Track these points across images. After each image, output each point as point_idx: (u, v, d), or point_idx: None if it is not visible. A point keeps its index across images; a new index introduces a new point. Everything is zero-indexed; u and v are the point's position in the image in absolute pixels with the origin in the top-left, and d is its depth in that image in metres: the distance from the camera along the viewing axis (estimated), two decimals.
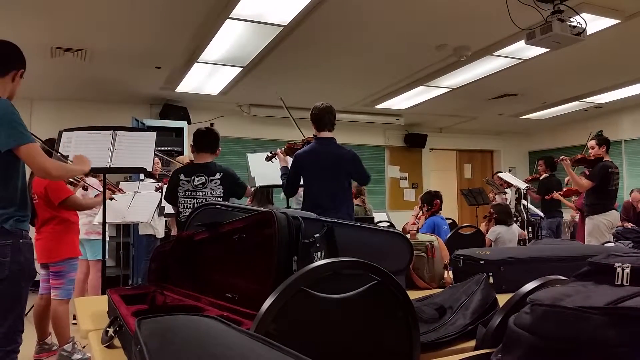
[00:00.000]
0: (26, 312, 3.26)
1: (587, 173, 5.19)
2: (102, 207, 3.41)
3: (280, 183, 4.30)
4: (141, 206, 4.17)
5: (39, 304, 3.51)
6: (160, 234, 5.13)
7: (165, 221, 5.12)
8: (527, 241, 6.06)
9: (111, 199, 3.92)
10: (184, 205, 3.41)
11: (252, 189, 4.32)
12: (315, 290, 0.87)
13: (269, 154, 4.15)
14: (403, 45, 5.16)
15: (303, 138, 4.10)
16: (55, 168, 2.28)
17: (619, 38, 4.93)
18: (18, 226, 2.14)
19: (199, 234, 1.42)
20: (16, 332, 2.14)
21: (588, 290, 0.81)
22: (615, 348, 0.69)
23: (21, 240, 2.14)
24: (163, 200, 4.06)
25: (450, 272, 1.88)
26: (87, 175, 3.96)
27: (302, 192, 3.78)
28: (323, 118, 3.58)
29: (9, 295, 2.11)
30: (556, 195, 6.51)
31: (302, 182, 3.68)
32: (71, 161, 2.75)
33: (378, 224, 5.02)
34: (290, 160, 3.80)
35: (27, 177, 2.33)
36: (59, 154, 2.96)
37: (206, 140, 3.51)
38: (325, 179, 3.51)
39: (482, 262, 1.67)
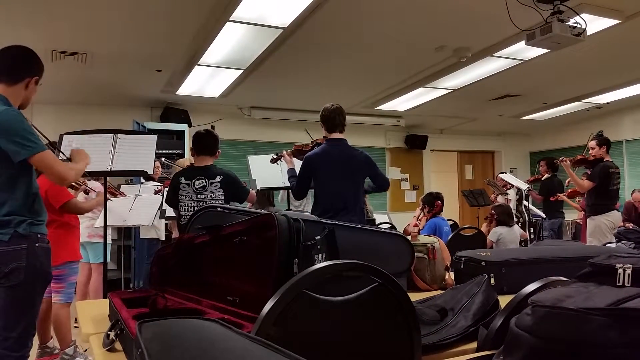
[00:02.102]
0: None
1: (589, 173, 5.18)
2: (103, 210, 3.42)
3: (281, 185, 4.29)
4: (142, 209, 4.17)
5: (40, 307, 3.50)
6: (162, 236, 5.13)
7: (166, 224, 5.12)
8: (528, 242, 6.06)
9: (108, 199, 3.91)
10: (184, 209, 3.41)
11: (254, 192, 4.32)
12: (316, 293, 0.87)
13: (274, 156, 4.10)
14: (403, 46, 5.16)
15: (312, 139, 4.08)
16: (72, 174, 2.25)
17: (619, 38, 4.93)
18: (33, 230, 2.12)
19: (199, 236, 1.42)
20: (28, 336, 2.13)
21: (589, 292, 0.81)
22: (616, 349, 0.69)
23: (37, 244, 2.12)
24: (164, 203, 4.07)
25: (452, 274, 1.88)
26: (89, 178, 3.97)
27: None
28: (334, 119, 3.51)
29: (24, 300, 2.09)
30: (561, 196, 6.51)
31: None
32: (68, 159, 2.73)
33: (379, 226, 5.02)
34: (296, 162, 3.76)
35: None
36: (62, 155, 2.94)
37: (205, 142, 3.50)
38: (338, 180, 3.44)
39: (483, 263, 1.67)
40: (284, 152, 3.97)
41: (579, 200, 6.82)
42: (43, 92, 6.12)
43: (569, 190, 6.42)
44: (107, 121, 6.13)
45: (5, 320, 2.07)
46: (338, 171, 3.44)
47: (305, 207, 4.73)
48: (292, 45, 4.91)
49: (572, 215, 7.84)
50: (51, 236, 3.36)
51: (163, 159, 5.53)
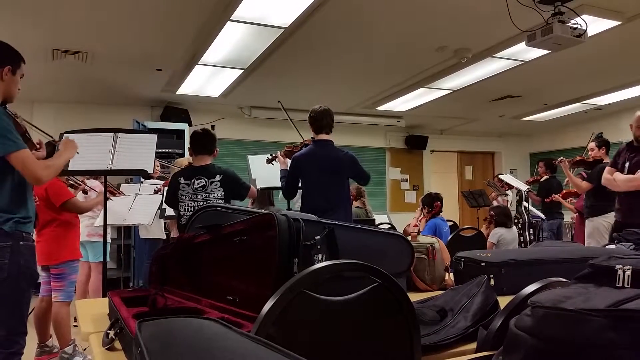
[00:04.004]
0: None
1: (584, 175, 5.19)
2: (103, 210, 3.42)
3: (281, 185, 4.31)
4: (142, 208, 4.17)
5: (39, 306, 3.51)
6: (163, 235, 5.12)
7: (165, 223, 5.12)
8: (528, 243, 6.06)
9: (108, 198, 3.91)
10: (184, 209, 3.41)
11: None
12: (316, 293, 0.87)
13: (270, 157, 4.16)
14: (404, 47, 5.16)
15: (301, 140, 4.11)
16: (46, 174, 2.19)
17: (620, 39, 4.93)
18: (18, 228, 2.12)
19: (199, 236, 1.42)
20: (18, 334, 2.13)
21: (589, 293, 0.81)
22: (616, 350, 0.69)
23: (21, 243, 2.12)
24: (164, 203, 4.06)
25: (451, 274, 1.88)
26: (88, 177, 3.97)
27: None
28: (321, 121, 3.60)
29: (9, 298, 2.09)
30: (556, 197, 6.51)
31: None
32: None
33: (379, 226, 5.02)
34: (289, 162, 3.81)
35: None
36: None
37: (203, 142, 3.50)
38: (323, 181, 3.52)
39: (483, 264, 1.67)
40: (279, 152, 4.01)
41: (570, 200, 6.81)
42: (43, 91, 6.18)
43: (564, 191, 6.43)
44: (108, 120, 6.13)
45: None
46: (323, 172, 3.53)
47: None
48: (292, 45, 4.91)
49: (571, 216, 7.83)
50: (51, 235, 3.41)
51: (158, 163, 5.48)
